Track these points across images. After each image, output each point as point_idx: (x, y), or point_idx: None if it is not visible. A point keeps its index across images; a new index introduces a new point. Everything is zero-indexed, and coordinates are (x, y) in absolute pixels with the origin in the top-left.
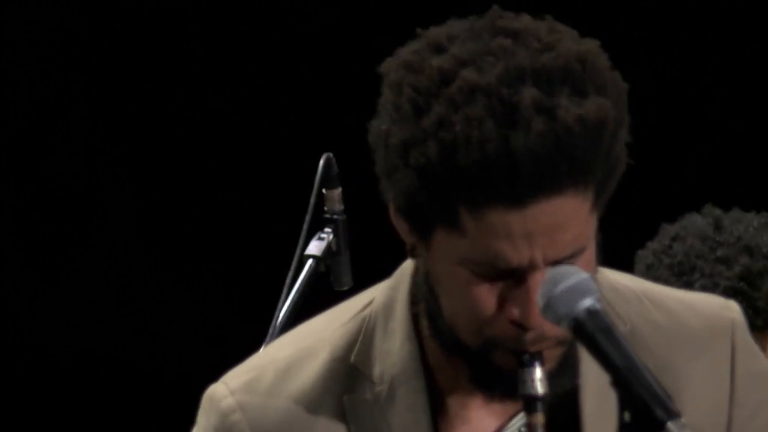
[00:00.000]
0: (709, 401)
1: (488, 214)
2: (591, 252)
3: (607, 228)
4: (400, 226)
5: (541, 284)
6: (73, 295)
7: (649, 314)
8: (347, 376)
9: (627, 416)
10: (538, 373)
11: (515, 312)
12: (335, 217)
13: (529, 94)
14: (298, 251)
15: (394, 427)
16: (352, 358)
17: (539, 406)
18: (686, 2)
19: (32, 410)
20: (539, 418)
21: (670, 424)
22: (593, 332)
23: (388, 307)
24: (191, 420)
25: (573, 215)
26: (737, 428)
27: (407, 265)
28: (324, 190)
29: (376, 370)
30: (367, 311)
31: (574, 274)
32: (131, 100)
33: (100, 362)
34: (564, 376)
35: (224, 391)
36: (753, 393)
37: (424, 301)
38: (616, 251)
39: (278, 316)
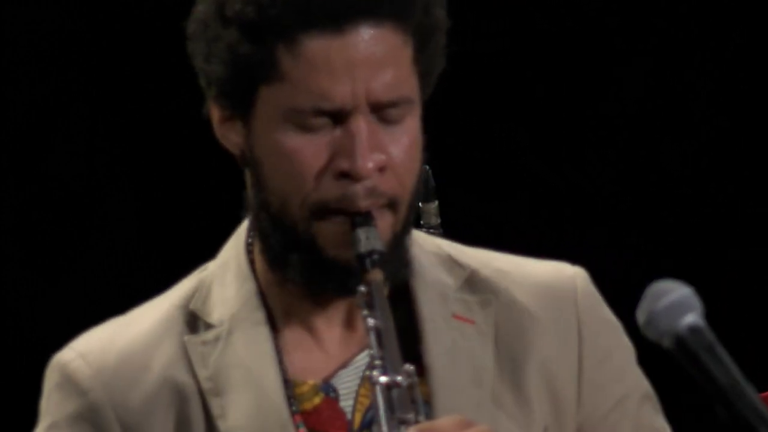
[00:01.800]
0: (559, 340)
1: (306, 46)
2: (417, 122)
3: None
4: (225, 129)
5: (642, 299)
6: (73, 295)
7: (491, 262)
8: (186, 322)
9: None
10: (371, 232)
11: (343, 163)
12: (432, 231)
13: None
14: None
15: (240, 359)
16: (191, 305)
17: (376, 261)
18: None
19: (32, 411)
20: (377, 274)
21: None
22: (696, 350)
23: (224, 265)
24: None
25: (393, 54)
26: (589, 368)
27: (239, 228)
28: (420, 204)
29: (215, 315)
30: (206, 271)
31: (677, 290)
32: (131, 100)
33: None
34: (397, 260)
35: (63, 351)
36: (602, 336)
37: (255, 217)
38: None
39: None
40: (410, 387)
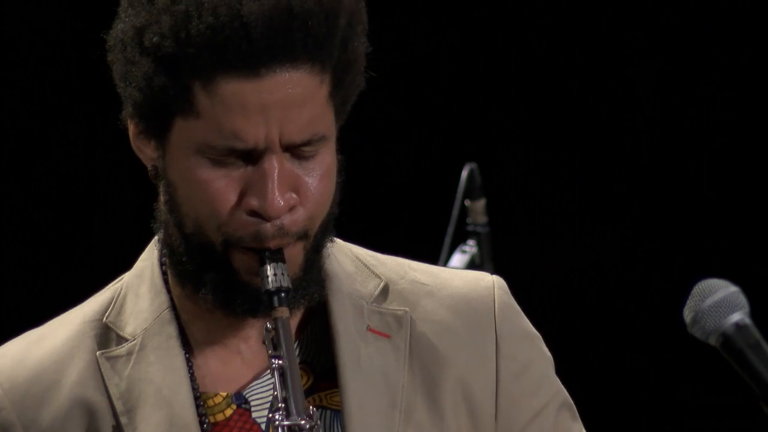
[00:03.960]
0: (476, 353)
1: (222, 87)
2: (332, 152)
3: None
4: (140, 143)
5: (689, 298)
6: (73, 295)
7: (407, 274)
8: (100, 336)
9: None
10: (279, 268)
11: (253, 202)
12: (478, 229)
13: None
14: (440, 264)
15: (151, 374)
16: (105, 318)
17: (284, 299)
18: None
19: None
20: (284, 311)
21: None
22: (742, 348)
23: (138, 276)
24: None
25: (309, 95)
26: (505, 382)
27: (155, 238)
28: (467, 202)
29: (129, 329)
30: (120, 283)
31: (723, 288)
32: None
33: None
34: (311, 284)
35: None
36: (519, 348)
37: (166, 231)
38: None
39: None
40: (312, 430)
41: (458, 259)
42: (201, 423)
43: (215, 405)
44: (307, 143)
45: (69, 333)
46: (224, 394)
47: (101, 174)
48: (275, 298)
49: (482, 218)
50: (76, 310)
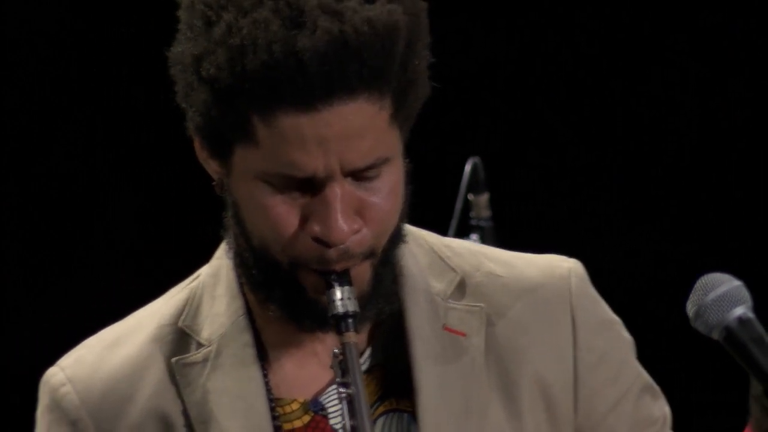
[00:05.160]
0: (553, 346)
1: (280, 120)
2: (398, 169)
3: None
4: (203, 157)
5: (692, 292)
6: (73, 295)
7: (483, 265)
8: (175, 341)
9: None
10: (346, 292)
11: (316, 228)
12: (482, 223)
13: None
14: None
15: (226, 383)
16: (180, 322)
17: (351, 324)
18: None
19: (31, 410)
20: (351, 336)
21: None
22: (745, 342)
23: (215, 275)
24: None
25: (368, 123)
26: (584, 373)
27: (228, 235)
28: (470, 196)
29: (205, 333)
30: (195, 283)
31: (726, 282)
32: (131, 99)
33: None
34: (380, 299)
35: (54, 370)
36: (597, 338)
37: (235, 242)
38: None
39: None
40: None
41: None
42: (276, 431)
43: (292, 412)
44: (370, 167)
45: (144, 338)
46: (301, 400)
47: (101, 174)
48: (342, 324)
49: (486, 212)
50: (151, 311)
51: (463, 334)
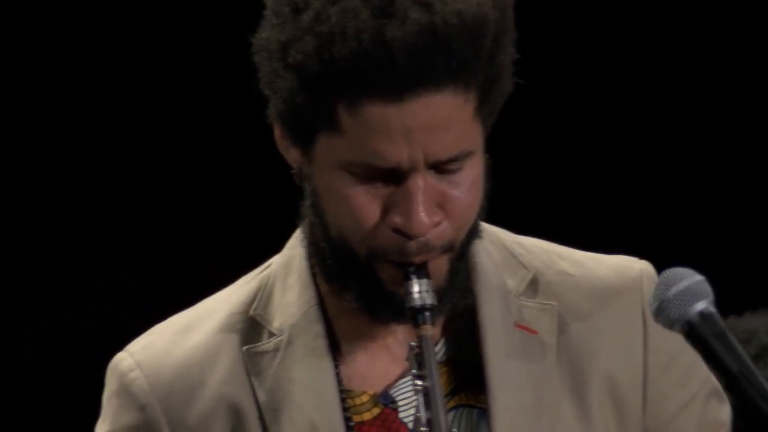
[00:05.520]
0: (623, 347)
1: (366, 110)
2: (479, 163)
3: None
4: (284, 145)
5: (655, 286)
6: (73, 294)
7: (555, 264)
8: (246, 329)
9: (741, 423)
10: (424, 284)
11: (397, 219)
12: None
13: None
14: None
15: (297, 373)
16: (251, 311)
17: (428, 317)
18: None
19: (31, 410)
20: (428, 329)
21: None
22: (707, 337)
23: (286, 265)
24: None
25: (453, 115)
26: (654, 374)
27: (304, 224)
28: None
29: (276, 323)
30: (266, 272)
31: (688, 277)
32: (131, 99)
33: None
34: (455, 294)
35: (123, 355)
36: (667, 340)
37: (312, 232)
38: None
39: None
40: None
41: None
42: (346, 422)
43: (362, 404)
44: (454, 160)
45: (215, 326)
46: (371, 392)
47: (101, 174)
48: (419, 317)
49: None
50: (222, 298)
51: (535, 332)
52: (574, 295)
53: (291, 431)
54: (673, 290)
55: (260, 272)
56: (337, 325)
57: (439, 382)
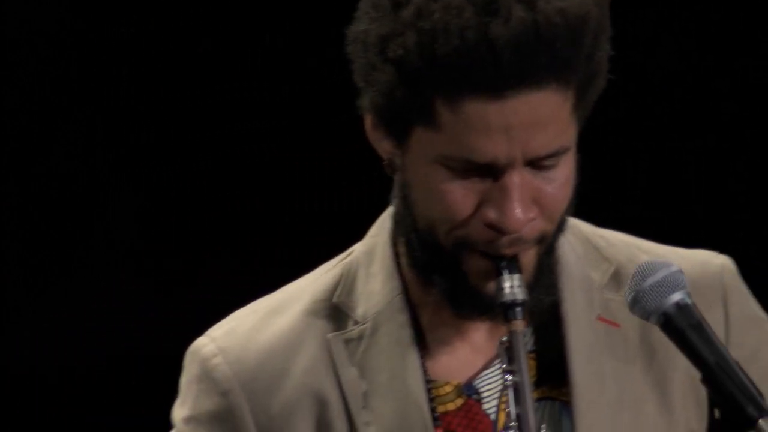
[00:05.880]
0: None
1: (466, 106)
2: (572, 159)
3: None
4: (377, 137)
5: (630, 277)
6: (73, 294)
7: (636, 257)
8: (330, 316)
9: (717, 413)
10: (515, 279)
11: (492, 215)
12: None
13: None
14: None
15: (382, 362)
16: (335, 298)
17: (519, 312)
18: None
19: (30, 411)
20: (519, 325)
21: (761, 422)
22: (683, 328)
23: (369, 253)
24: None
25: (553, 113)
26: None
27: (386, 212)
28: None
29: (359, 311)
30: (349, 259)
31: (664, 268)
32: (131, 99)
33: (100, 364)
34: (541, 290)
35: (205, 341)
36: (749, 334)
37: (400, 223)
38: None
39: None
40: None
41: None
42: (432, 411)
43: (445, 394)
44: (551, 156)
45: (298, 312)
46: (455, 383)
47: (101, 174)
48: (510, 312)
49: None
50: (304, 285)
51: (618, 325)
52: None
53: (377, 420)
54: (650, 281)
55: (342, 259)
56: (421, 315)
57: (529, 378)
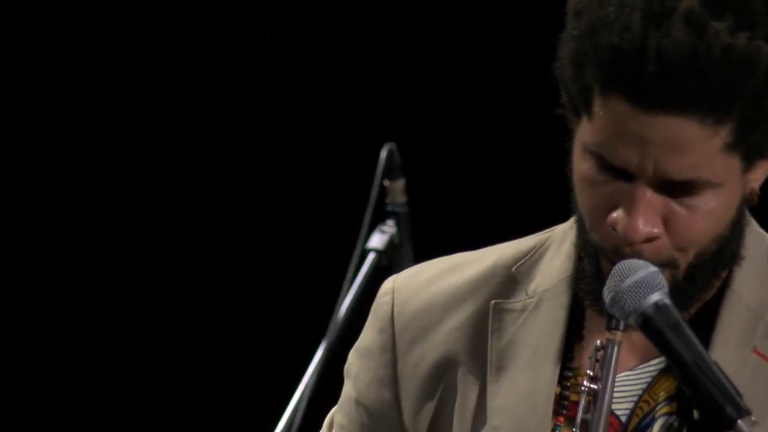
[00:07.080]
0: None
1: (613, 103)
2: (726, 196)
3: None
4: (570, 122)
5: (609, 278)
6: (73, 294)
7: None
8: (502, 284)
9: (696, 413)
10: None
11: (615, 216)
12: (398, 209)
13: (689, 4)
14: (359, 245)
15: (531, 337)
16: (515, 268)
17: (622, 324)
18: None
19: (30, 410)
20: (617, 335)
21: (740, 422)
22: (661, 328)
23: (565, 232)
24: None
25: (693, 142)
26: None
27: None
28: (386, 182)
29: (533, 285)
30: (547, 234)
31: (642, 268)
32: (131, 99)
33: (100, 364)
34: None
35: (393, 277)
36: None
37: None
38: None
39: (339, 311)
40: None
41: (377, 239)
42: (562, 398)
43: (581, 384)
44: (687, 183)
45: (474, 273)
46: (592, 375)
47: (101, 174)
48: (613, 321)
49: (402, 198)
50: (500, 249)
51: None
52: None
53: (507, 392)
54: (628, 282)
55: (543, 233)
56: (585, 302)
57: (611, 390)
